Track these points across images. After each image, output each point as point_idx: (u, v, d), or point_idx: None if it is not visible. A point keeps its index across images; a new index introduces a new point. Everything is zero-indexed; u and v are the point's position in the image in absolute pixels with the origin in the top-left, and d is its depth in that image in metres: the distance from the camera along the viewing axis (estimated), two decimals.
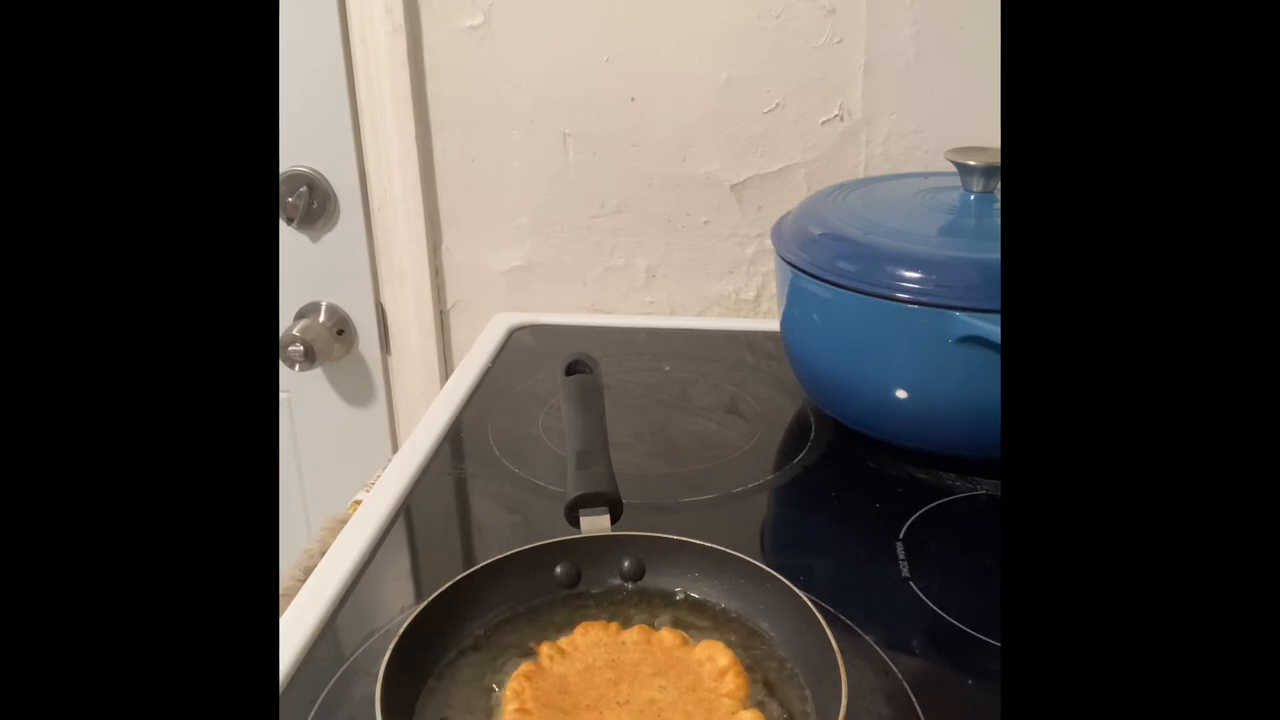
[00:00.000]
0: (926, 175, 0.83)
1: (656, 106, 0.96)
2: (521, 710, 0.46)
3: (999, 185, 0.73)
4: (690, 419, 0.82)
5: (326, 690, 0.52)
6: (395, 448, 1.14)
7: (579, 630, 0.51)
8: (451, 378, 0.89)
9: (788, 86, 0.93)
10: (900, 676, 0.52)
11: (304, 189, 1.02)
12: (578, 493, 0.56)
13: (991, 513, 0.67)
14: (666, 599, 0.54)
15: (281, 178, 1.02)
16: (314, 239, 1.06)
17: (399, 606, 0.59)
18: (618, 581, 0.55)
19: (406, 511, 0.69)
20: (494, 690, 0.48)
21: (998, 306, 0.62)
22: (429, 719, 0.47)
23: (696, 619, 0.53)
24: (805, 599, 0.50)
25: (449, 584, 0.51)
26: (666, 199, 1.00)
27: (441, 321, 1.09)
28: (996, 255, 0.64)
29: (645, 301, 1.05)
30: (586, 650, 0.50)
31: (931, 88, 0.92)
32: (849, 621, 0.55)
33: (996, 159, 0.72)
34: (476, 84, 0.97)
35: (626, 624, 0.52)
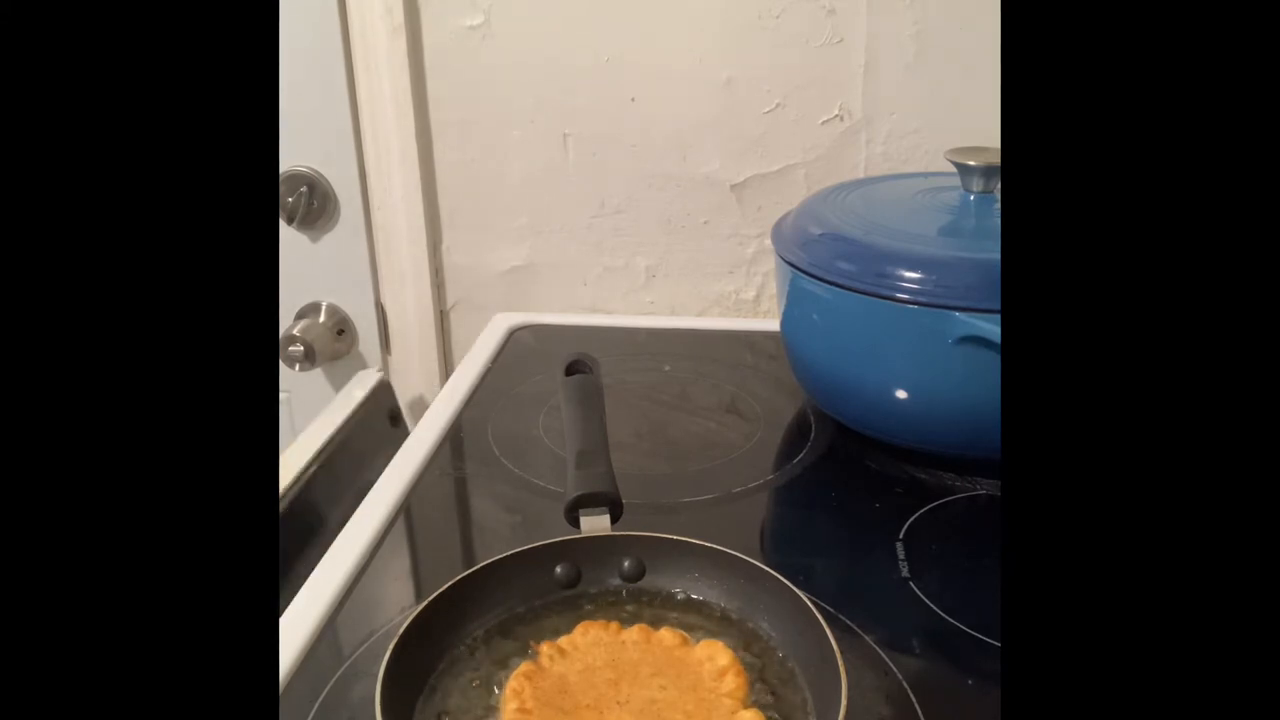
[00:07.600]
0: (926, 175, 0.83)
1: (656, 106, 0.96)
2: (521, 710, 0.46)
3: (999, 185, 0.73)
4: (690, 419, 0.82)
5: (326, 690, 0.52)
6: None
7: (579, 630, 0.51)
8: (451, 378, 0.89)
9: (788, 86, 0.93)
10: (900, 676, 0.52)
11: (304, 189, 1.02)
12: (578, 493, 0.56)
13: (991, 513, 0.67)
14: (666, 599, 0.54)
15: (281, 178, 1.02)
16: (314, 239, 1.06)
17: (399, 606, 0.59)
18: (618, 581, 0.55)
19: (406, 511, 0.69)
20: (494, 690, 0.48)
21: (998, 306, 0.62)
22: (429, 719, 0.47)
23: (696, 619, 0.53)
24: (805, 599, 0.49)
25: (449, 584, 0.51)
26: (666, 199, 1.00)
27: (441, 321, 1.09)
28: (996, 255, 0.64)
29: (645, 301, 1.05)
30: (586, 650, 0.50)
31: (931, 88, 0.91)
32: (849, 621, 0.55)
33: (996, 159, 0.72)
34: (476, 84, 0.97)
35: (626, 624, 0.52)
